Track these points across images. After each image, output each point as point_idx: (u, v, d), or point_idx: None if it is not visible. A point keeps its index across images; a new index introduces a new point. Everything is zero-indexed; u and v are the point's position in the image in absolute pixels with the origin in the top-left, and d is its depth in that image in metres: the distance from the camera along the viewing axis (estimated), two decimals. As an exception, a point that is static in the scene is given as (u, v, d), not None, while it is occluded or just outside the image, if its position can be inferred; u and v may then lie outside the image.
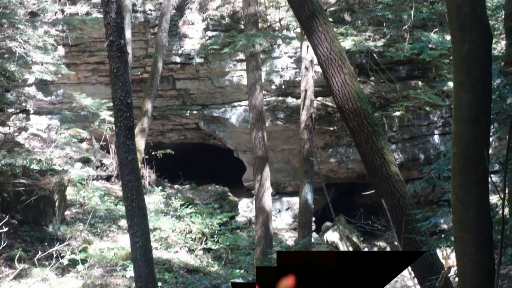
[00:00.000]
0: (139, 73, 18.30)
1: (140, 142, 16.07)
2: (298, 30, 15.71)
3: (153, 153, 17.53)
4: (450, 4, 3.84)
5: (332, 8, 17.02)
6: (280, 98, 17.80)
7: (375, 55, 15.85)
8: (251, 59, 13.32)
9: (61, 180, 12.89)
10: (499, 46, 15.49)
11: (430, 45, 14.93)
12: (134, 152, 7.22)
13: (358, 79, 13.94)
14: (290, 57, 17.42)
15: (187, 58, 17.62)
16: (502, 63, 6.14)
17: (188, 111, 18.99)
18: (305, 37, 8.42)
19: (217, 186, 18.88)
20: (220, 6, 17.74)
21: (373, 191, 7.10)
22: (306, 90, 13.98)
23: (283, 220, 19.30)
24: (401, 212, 6.66)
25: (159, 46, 16.59)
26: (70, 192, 14.62)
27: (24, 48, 13.43)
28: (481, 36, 3.72)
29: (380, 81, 17.14)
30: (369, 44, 15.36)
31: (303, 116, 14.09)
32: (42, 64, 14.28)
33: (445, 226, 16.46)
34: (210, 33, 17.47)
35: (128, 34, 15.74)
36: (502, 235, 3.51)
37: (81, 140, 17.34)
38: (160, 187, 17.28)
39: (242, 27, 15.76)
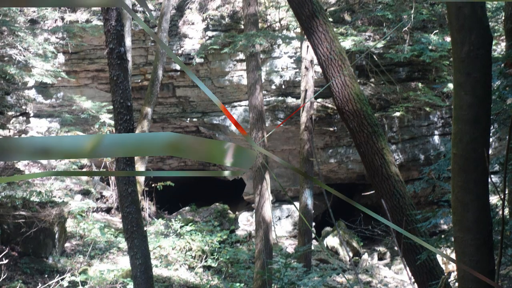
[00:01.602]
0: (139, 80, 18.29)
1: (140, 168, 15.89)
2: (298, 30, 15.73)
3: (153, 185, 17.49)
4: (450, 5, 3.85)
5: (332, 8, 17.05)
6: (280, 98, 17.81)
7: (375, 56, 15.87)
8: (251, 59, 13.33)
9: (61, 212, 12.88)
10: (499, 48, 15.51)
11: (430, 47, 14.95)
12: (134, 184, 7.25)
13: (358, 80, 13.95)
14: (290, 57, 17.43)
15: (187, 58, 17.62)
16: (502, 65, 6.14)
17: (188, 119, 19.00)
18: (305, 37, 8.41)
19: (217, 204, 18.89)
20: (220, 6, 17.75)
21: (373, 191, 7.09)
22: (306, 90, 13.99)
23: (283, 227, 19.26)
24: (401, 212, 6.67)
25: (159, 54, 16.55)
26: (70, 224, 14.62)
27: (24, 56, 13.44)
28: (481, 38, 3.73)
29: (380, 82, 17.15)
30: (369, 44, 15.39)
31: (303, 117, 14.09)
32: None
33: (445, 227, 16.49)
34: (210, 33, 17.48)
35: (128, 41, 15.65)
36: (502, 236, 3.52)
37: (81, 167, 17.20)
38: (160, 219, 17.24)
39: (242, 27, 15.79)
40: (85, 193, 16.38)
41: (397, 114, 16.87)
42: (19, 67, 13.41)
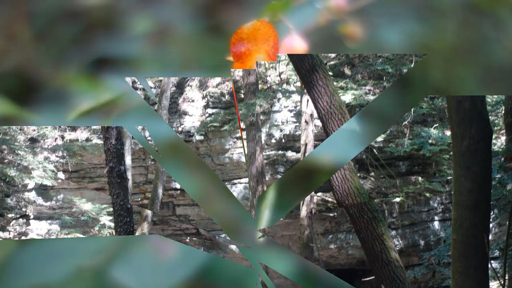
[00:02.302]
0: (139, 199, 18.25)
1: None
2: (298, 84, 15.70)
3: None
4: (450, 99, 3.94)
5: (332, 62, 17.06)
6: (280, 152, 17.54)
7: (375, 150, 16.00)
8: (251, 128, 13.30)
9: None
10: (499, 142, 15.65)
11: (430, 141, 15.11)
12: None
13: (358, 174, 13.97)
14: (290, 111, 17.19)
15: (187, 136, 17.57)
16: (502, 159, 6.20)
17: (188, 238, 18.97)
18: (305, 91, 8.47)
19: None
20: (220, 83, 17.82)
21: (373, 277, 7.11)
22: (306, 144, 13.80)
23: None
24: (402, 299, 6.68)
25: (159, 172, 16.45)
26: None
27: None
28: (481, 132, 3.79)
29: (380, 176, 17.17)
30: (369, 98, 15.45)
31: (303, 211, 13.90)
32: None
33: (445, 313, 16.20)
34: (210, 110, 17.50)
35: (128, 160, 15.08)
36: (500, 322, 3.59)
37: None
38: None
39: (242, 96, 15.89)
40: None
41: (397, 199, 16.89)
42: (19, 169, 13.51)
